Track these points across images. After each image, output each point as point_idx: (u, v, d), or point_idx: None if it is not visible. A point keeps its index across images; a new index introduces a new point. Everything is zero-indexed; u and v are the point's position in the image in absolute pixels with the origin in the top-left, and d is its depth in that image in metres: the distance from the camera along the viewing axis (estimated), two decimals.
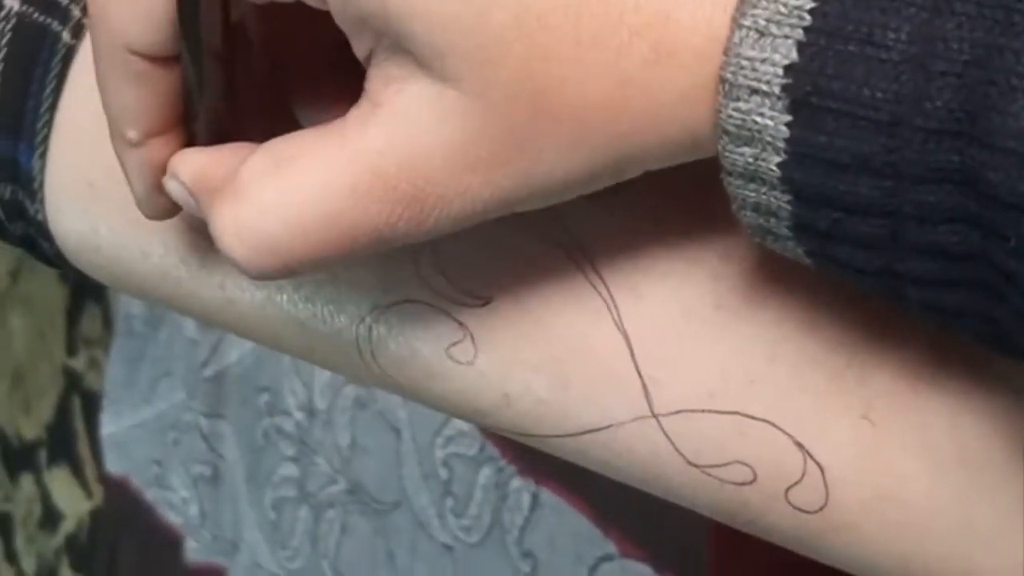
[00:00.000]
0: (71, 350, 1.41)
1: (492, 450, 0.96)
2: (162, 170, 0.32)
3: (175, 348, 1.21)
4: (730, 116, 0.27)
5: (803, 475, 0.33)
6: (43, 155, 0.37)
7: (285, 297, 0.36)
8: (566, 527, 0.91)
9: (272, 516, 1.14)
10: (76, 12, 0.36)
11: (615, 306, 0.34)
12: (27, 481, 1.48)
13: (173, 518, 1.23)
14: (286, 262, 0.29)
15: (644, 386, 0.34)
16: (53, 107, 0.36)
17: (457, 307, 0.34)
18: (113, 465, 1.28)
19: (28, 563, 1.49)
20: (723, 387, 0.33)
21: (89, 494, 1.39)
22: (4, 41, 0.36)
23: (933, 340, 0.33)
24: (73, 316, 1.41)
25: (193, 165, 0.31)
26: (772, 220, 0.28)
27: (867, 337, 0.33)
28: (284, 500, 1.13)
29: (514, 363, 0.35)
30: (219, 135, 0.32)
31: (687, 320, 0.33)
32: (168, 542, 1.23)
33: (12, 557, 1.51)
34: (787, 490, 0.34)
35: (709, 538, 0.69)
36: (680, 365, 0.34)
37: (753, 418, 0.33)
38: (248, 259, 0.29)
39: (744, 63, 0.26)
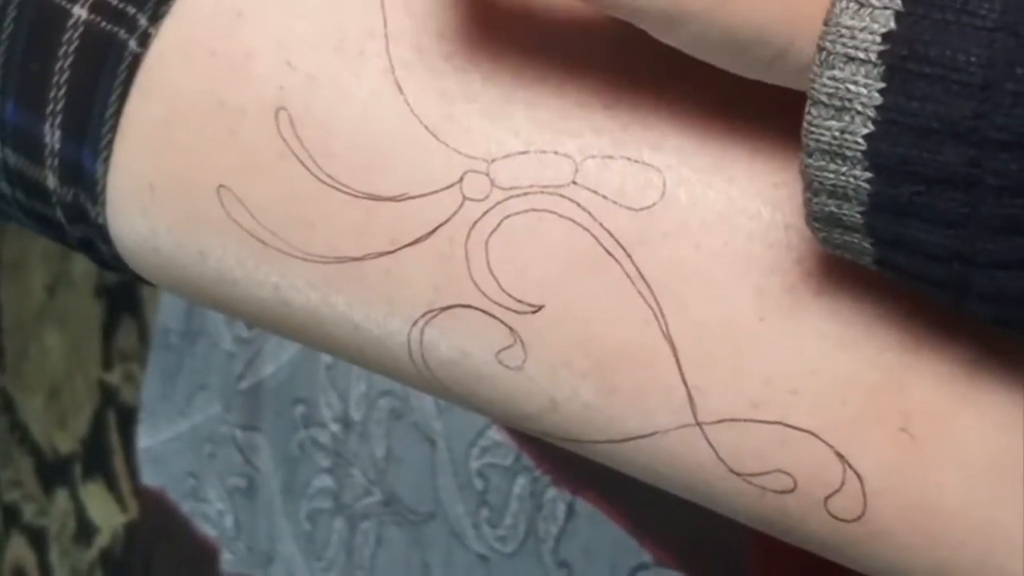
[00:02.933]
0: (106, 364, 1.42)
1: (527, 460, 0.96)
2: None
3: (211, 361, 1.22)
4: (824, 85, 0.28)
5: (842, 484, 0.34)
6: (106, 160, 0.37)
7: (342, 299, 0.37)
8: (601, 536, 0.91)
9: (307, 528, 1.15)
10: (143, 22, 0.37)
11: (662, 315, 0.34)
12: (62, 495, 1.49)
13: (208, 530, 1.24)
14: None
15: (689, 394, 0.34)
16: (118, 113, 0.37)
17: (508, 313, 0.35)
18: (149, 478, 1.29)
19: None
20: (765, 397, 0.34)
21: (124, 507, 1.40)
22: (72, 49, 0.37)
23: (968, 356, 0.33)
24: (108, 331, 1.42)
25: None
26: (846, 206, 0.29)
27: (905, 353, 0.34)
28: (319, 512, 1.14)
29: (562, 369, 0.35)
30: None
31: (731, 331, 0.34)
32: (203, 554, 1.24)
33: (47, 571, 1.52)
34: (826, 499, 0.34)
35: (751, 552, 0.70)
36: (724, 375, 0.34)
37: (795, 428, 0.34)
38: None
39: (843, 31, 0.28)
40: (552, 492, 0.95)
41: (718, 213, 0.34)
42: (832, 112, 0.28)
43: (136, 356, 1.38)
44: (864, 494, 0.34)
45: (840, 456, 0.34)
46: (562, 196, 0.34)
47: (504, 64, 0.35)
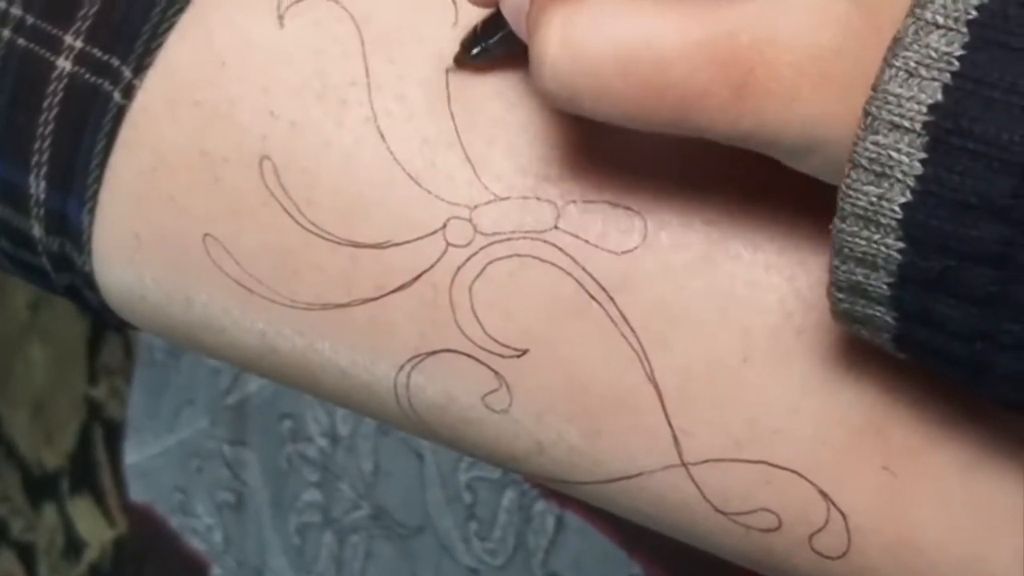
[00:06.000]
0: (92, 380, 1.42)
1: (515, 473, 0.97)
2: None
3: (197, 377, 1.22)
4: (866, 149, 0.28)
5: (827, 522, 0.34)
6: (92, 210, 0.38)
7: (328, 345, 0.37)
8: (591, 549, 0.91)
9: (296, 542, 1.15)
10: (127, 73, 0.37)
11: (646, 358, 0.34)
12: (50, 510, 1.49)
13: (198, 545, 1.24)
14: (590, 88, 0.30)
15: (674, 436, 0.35)
16: (103, 164, 0.37)
17: (493, 357, 0.35)
18: (137, 494, 1.29)
19: None
20: (750, 437, 0.34)
21: (112, 523, 1.40)
22: (57, 101, 0.37)
23: (946, 398, 0.34)
24: (94, 346, 1.42)
25: None
26: (873, 275, 0.29)
27: (885, 392, 0.34)
28: (308, 526, 1.14)
29: (548, 412, 0.36)
30: None
31: (715, 372, 0.34)
32: (193, 569, 1.23)
33: None
34: (811, 537, 0.35)
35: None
36: (708, 415, 0.35)
37: (778, 467, 0.34)
38: (559, 65, 0.30)
39: (890, 99, 0.28)
40: (541, 505, 0.95)
41: (700, 255, 0.34)
42: (872, 177, 0.28)
43: (121, 371, 1.37)
44: (848, 531, 0.34)
45: (824, 494, 0.34)
46: (545, 241, 0.34)
47: (484, 110, 0.35)
